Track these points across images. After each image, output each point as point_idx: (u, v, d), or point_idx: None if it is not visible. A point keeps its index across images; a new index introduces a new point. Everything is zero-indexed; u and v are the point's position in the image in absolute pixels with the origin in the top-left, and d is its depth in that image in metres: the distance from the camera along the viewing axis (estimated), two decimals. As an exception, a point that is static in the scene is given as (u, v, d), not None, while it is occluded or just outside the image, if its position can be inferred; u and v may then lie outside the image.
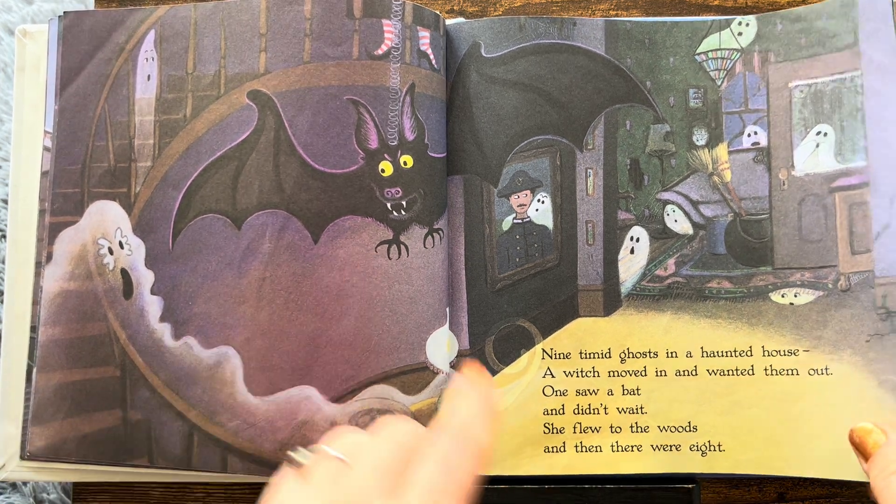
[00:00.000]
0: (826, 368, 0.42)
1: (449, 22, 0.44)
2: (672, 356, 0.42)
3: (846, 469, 0.40)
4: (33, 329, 0.43)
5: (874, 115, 0.42)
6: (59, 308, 0.43)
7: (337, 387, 0.41)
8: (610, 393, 0.42)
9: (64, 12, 0.44)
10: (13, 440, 0.42)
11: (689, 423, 0.42)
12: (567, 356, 0.42)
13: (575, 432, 0.42)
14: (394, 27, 0.42)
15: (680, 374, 0.42)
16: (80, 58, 0.44)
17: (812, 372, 0.42)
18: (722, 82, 0.44)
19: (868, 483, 0.36)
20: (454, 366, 0.42)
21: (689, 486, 0.42)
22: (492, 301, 0.43)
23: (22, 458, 0.42)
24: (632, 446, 0.42)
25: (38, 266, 0.44)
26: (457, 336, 0.43)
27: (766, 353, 0.42)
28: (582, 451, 0.42)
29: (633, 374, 0.42)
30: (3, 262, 0.55)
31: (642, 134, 0.44)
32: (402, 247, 0.41)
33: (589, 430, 0.42)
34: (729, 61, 0.44)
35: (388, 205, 0.41)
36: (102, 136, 0.44)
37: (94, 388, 0.42)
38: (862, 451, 0.37)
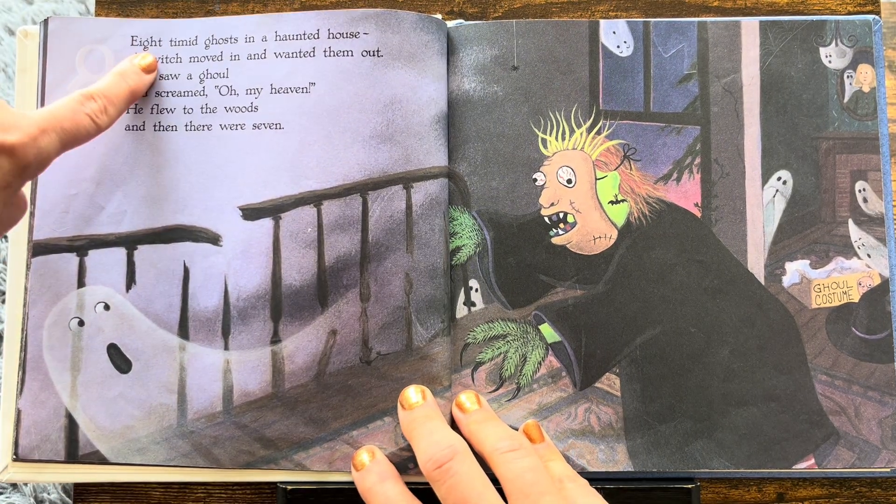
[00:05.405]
0: None
1: (450, 24, 0.44)
2: None
3: None
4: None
5: None
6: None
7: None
8: None
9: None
10: (12, 441, 0.42)
11: None
12: None
13: None
14: None
15: None
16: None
17: None
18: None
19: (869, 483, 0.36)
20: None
21: (689, 486, 0.42)
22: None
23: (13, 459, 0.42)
24: None
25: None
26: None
27: None
28: None
29: None
30: (4, 263, 0.55)
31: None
32: None
33: None
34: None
35: None
36: None
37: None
38: None
